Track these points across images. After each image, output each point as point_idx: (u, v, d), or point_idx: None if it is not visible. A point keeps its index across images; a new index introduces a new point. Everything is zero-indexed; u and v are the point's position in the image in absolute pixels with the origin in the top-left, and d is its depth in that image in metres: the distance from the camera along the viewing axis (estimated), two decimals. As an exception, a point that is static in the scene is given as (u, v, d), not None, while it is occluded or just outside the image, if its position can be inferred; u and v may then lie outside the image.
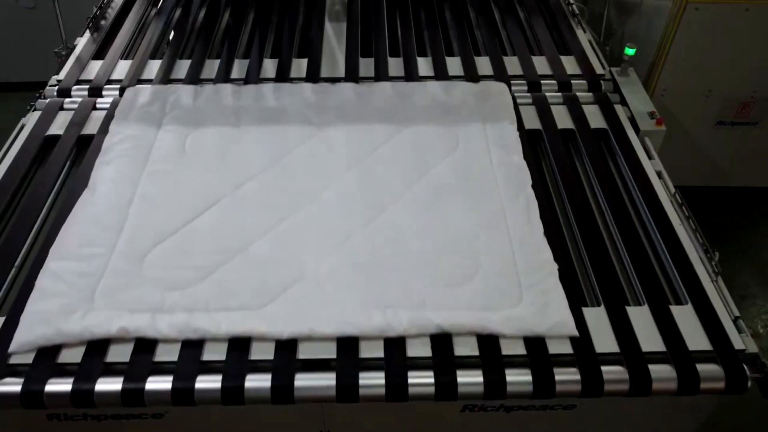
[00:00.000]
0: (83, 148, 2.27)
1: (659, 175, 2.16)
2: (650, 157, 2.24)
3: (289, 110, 2.34)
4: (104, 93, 2.49)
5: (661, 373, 1.58)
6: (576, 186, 2.12)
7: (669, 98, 2.84)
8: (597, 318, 1.70)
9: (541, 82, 2.53)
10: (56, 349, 1.60)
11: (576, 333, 1.63)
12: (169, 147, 2.18)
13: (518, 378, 1.56)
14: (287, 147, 2.20)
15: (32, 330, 1.61)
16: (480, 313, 1.65)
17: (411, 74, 2.55)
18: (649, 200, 2.05)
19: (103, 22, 2.92)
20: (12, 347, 1.59)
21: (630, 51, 2.53)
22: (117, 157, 2.14)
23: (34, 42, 3.91)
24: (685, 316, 1.71)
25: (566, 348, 1.61)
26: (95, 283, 1.73)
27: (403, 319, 1.62)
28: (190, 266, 1.78)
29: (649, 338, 1.64)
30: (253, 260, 1.80)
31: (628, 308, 1.72)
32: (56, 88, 2.51)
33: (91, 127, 2.32)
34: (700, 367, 1.58)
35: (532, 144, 2.29)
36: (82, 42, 2.79)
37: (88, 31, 2.85)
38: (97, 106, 2.42)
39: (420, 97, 2.40)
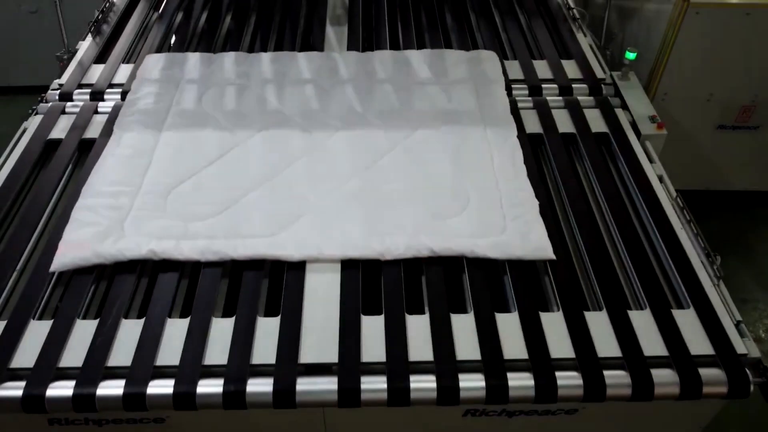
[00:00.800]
0: (85, 152, 2.27)
1: (660, 179, 2.16)
2: (651, 161, 2.24)
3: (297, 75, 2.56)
4: (106, 97, 2.49)
5: (664, 377, 1.57)
6: (577, 190, 2.12)
7: (670, 102, 2.84)
8: (599, 322, 1.69)
9: (542, 86, 2.54)
10: (57, 352, 1.60)
11: (553, 257, 1.84)
12: (186, 103, 2.41)
13: (520, 383, 1.56)
14: (295, 105, 2.41)
15: (70, 255, 1.81)
16: (468, 239, 1.86)
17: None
18: (651, 204, 2.05)
19: (105, 27, 2.93)
20: (53, 267, 1.80)
21: (631, 55, 2.53)
22: (139, 111, 2.34)
23: (37, 46, 3.92)
24: (687, 320, 1.71)
25: (569, 352, 1.61)
26: (124, 215, 1.94)
27: (400, 244, 1.84)
28: (208, 203, 1.99)
29: (651, 342, 1.64)
30: (263, 198, 2.02)
31: (629, 312, 1.72)
32: (58, 92, 2.51)
33: (93, 131, 2.32)
34: (702, 371, 1.58)
35: (533, 147, 2.30)
36: (84, 46, 2.80)
37: (90, 35, 2.85)
38: (99, 110, 2.43)
39: (415, 62, 2.62)
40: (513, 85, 2.54)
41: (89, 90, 2.51)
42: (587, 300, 1.81)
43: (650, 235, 1.99)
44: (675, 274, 1.84)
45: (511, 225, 1.92)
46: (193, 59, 2.63)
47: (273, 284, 1.86)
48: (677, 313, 1.72)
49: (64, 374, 1.56)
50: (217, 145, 2.22)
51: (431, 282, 1.80)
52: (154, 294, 1.77)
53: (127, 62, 2.69)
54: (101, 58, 2.73)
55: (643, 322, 1.70)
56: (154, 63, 2.60)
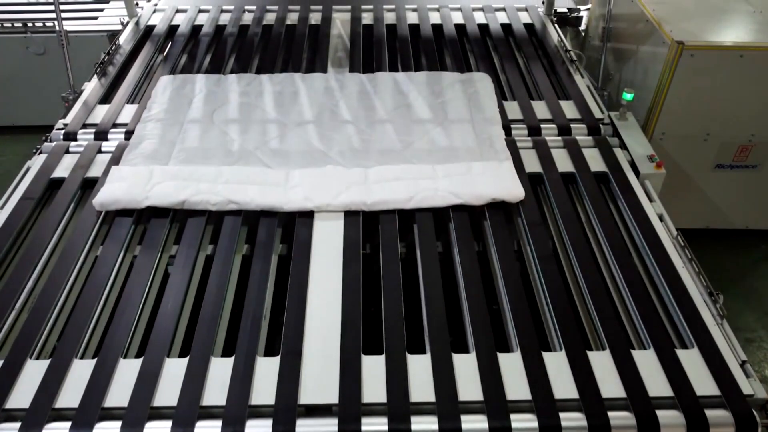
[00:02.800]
0: (88, 191, 2.29)
1: (660, 217, 2.17)
2: (651, 200, 2.25)
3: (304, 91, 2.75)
4: (110, 137, 2.53)
5: (669, 418, 1.55)
6: (578, 229, 2.12)
7: (667, 141, 2.87)
8: (602, 362, 1.68)
9: (541, 126, 2.57)
10: (54, 393, 1.58)
11: (522, 195, 2.19)
12: (199, 116, 2.60)
13: (524, 424, 1.53)
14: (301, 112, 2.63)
15: (112, 193, 2.16)
16: (459, 187, 2.21)
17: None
18: (652, 243, 2.05)
19: (110, 68, 2.98)
20: (96, 204, 2.14)
21: (628, 96, 2.57)
22: (156, 120, 2.53)
23: (44, 87, 3.98)
24: (691, 360, 1.69)
25: (572, 393, 1.59)
26: (157, 176, 2.25)
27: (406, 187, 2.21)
28: (230, 178, 2.25)
29: (656, 383, 1.62)
30: (278, 168, 2.33)
31: (633, 352, 1.70)
32: (63, 131, 2.54)
33: (96, 170, 2.34)
34: (708, 412, 1.56)
35: (533, 187, 2.31)
36: (90, 87, 2.85)
37: (95, 76, 2.90)
38: (103, 149, 2.45)
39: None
40: (512, 125, 2.57)
41: (93, 130, 2.55)
42: (590, 339, 1.79)
43: (652, 274, 1.99)
44: (678, 313, 1.83)
45: (487, 171, 2.28)
46: (205, 79, 2.81)
47: (273, 321, 1.85)
48: (681, 353, 1.70)
49: (60, 415, 1.54)
50: (231, 146, 2.46)
51: (432, 320, 1.79)
52: (153, 332, 1.75)
53: (132, 103, 2.73)
54: (106, 98, 2.78)
55: (646, 362, 1.68)
56: (166, 83, 2.76)
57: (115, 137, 2.52)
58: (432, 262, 1.99)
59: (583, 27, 3.64)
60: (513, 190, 2.20)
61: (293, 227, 2.13)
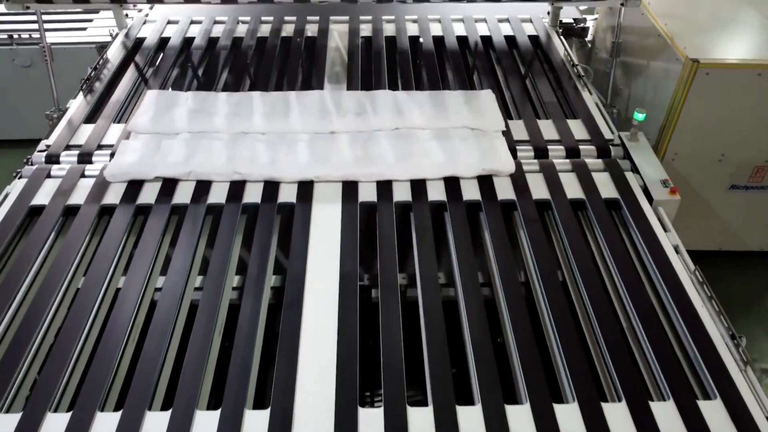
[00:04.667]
0: (70, 219, 2.16)
1: (676, 249, 2.05)
2: (666, 230, 2.12)
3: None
4: (94, 159, 2.40)
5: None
6: (589, 263, 2.00)
7: (680, 162, 2.74)
8: (618, 415, 1.55)
9: (548, 147, 2.44)
10: None
11: (513, 169, 2.29)
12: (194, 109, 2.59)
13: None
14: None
15: (121, 165, 2.26)
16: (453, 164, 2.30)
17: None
18: (668, 279, 1.93)
19: (97, 84, 2.85)
20: (107, 175, 2.22)
21: (639, 116, 2.44)
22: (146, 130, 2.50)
23: (31, 100, 3.85)
24: (714, 411, 1.57)
25: (587, 453, 1.47)
26: (164, 149, 2.35)
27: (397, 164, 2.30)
28: (232, 153, 2.34)
29: (677, 439, 1.50)
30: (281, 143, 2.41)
31: (651, 404, 1.57)
32: (45, 153, 2.42)
33: (78, 197, 2.21)
34: (734, 474, 1.43)
35: (540, 213, 2.18)
36: (75, 104, 2.72)
37: (81, 93, 2.77)
38: (86, 173, 2.32)
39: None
40: (518, 146, 2.44)
41: (77, 151, 2.42)
42: (605, 390, 1.67)
43: (670, 315, 1.86)
44: (699, 359, 1.70)
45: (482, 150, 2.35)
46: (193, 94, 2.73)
47: (262, 370, 1.73)
48: (703, 405, 1.58)
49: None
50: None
51: (435, 369, 1.66)
52: (134, 381, 1.63)
53: (119, 122, 2.60)
54: (92, 117, 2.65)
55: (666, 414, 1.55)
56: (153, 96, 2.67)
57: (100, 159, 2.39)
58: (434, 302, 1.86)
59: (589, 38, 3.51)
60: (505, 164, 2.31)
61: (287, 247, 2.03)
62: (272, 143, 2.40)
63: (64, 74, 3.10)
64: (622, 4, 2.48)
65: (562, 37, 3.24)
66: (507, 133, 2.49)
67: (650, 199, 2.25)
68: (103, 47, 3.28)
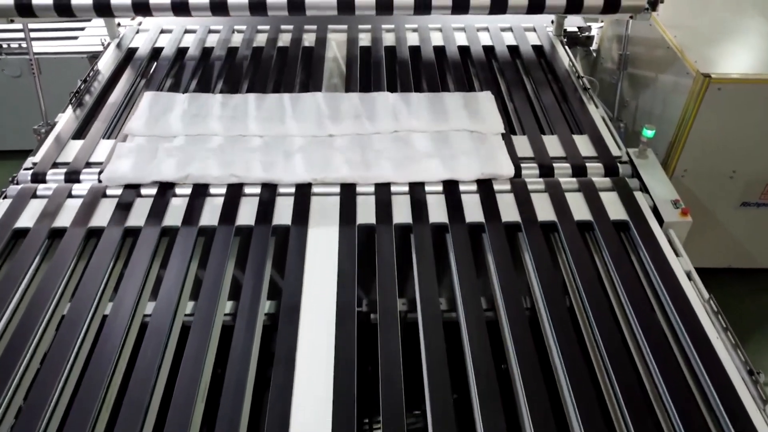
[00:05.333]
0: (55, 241, 2.07)
1: (689, 275, 1.96)
2: (678, 254, 2.03)
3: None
4: (82, 177, 2.30)
5: None
6: (597, 289, 1.91)
7: (690, 178, 2.65)
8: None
9: (554, 165, 2.35)
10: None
11: (512, 173, 2.26)
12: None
13: None
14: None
15: (118, 169, 2.24)
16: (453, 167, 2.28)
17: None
18: (681, 308, 1.84)
19: (87, 97, 2.76)
20: (104, 180, 2.21)
21: (649, 133, 2.35)
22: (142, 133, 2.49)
23: (22, 110, 3.76)
24: (732, 455, 1.48)
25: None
26: (160, 153, 2.33)
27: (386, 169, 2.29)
28: (230, 158, 2.33)
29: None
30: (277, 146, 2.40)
31: (667, 449, 1.49)
32: (31, 171, 2.33)
33: (64, 219, 2.12)
34: None
35: (545, 235, 2.10)
36: (64, 119, 2.63)
37: (70, 106, 2.68)
38: (73, 192, 2.23)
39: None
40: (522, 164, 2.35)
41: (65, 169, 2.33)
42: (615, 427, 1.58)
43: (683, 345, 1.77)
44: (714, 395, 1.61)
45: (482, 154, 2.33)
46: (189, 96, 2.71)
47: (256, 395, 1.65)
48: (721, 448, 1.49)
49: None
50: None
51: (435, 396, 1.59)
52: (119, 420, 1.54)
53: (108, 137, 2.51)
54: (81, 132, 2.56)
55: (682, 459, 1.47)
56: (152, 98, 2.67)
57: (88, 178, 2.30)
58: (435, 329, 1.78)
59: (594, 47, 3.42)
60: (504, 168, 2.29)
61: (282, 270, 1.95)
62: (270, 146, 2.39)
63: (54, 84, 3.01)
64: (631, 17, 2.39)
65: (566, 47, 3.15)
66: (511, 150, 2.41)
67: (660, 221, 2.16)
68: (95, 57, 3.19)
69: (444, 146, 2.38)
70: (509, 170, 2.27)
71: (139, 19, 3.31)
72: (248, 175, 2.24)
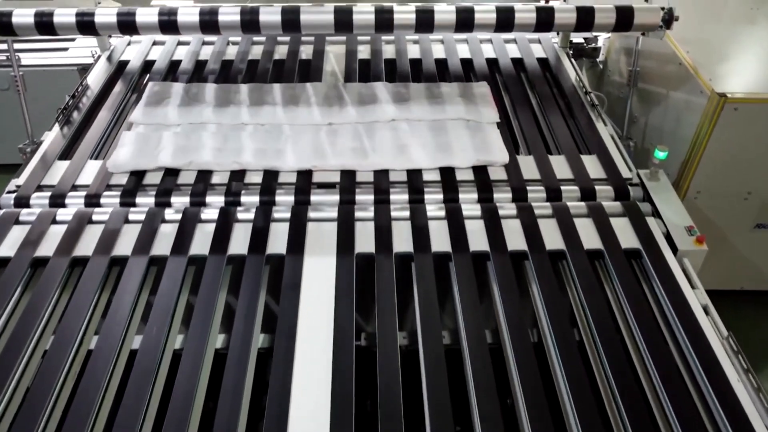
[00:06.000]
0: (38, 271, 1.97)
1: (706, 310, 1.85)
2: (693, 287, 1.93)
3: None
4: (68, 201, 2.20)
5: None
6: (608, 322, 1.81)
7: (703, 200, 2.54)
8: None
9: (562, 187, 2.25)
10: None
11: (507, 160, 2.28)
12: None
13: None
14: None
15: (124, 156, 2.27)
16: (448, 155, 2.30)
17: (413, 180, 2.27)
18: (698, 346, 1.73)
19: (76, 114, 2.65)
20: (109, 167, 2.23)
21: (661, 155, 2.24)
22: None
23: (10, 124, 3.64)
24: None
25: None
26: (164, 140, 2.35)
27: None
28: (232, 144, 2.35)
29: None
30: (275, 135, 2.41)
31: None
32: (14, 195, 2.22)
33: (48, 247, 2.02)
34: None
35: (553, 264, 1.99)
36: (50, 137, 2.52)
37: (57, 124, 2.58)
38: (58, 218, 2.13)
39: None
40: (528, 187, 2.25)
41: (50, 193, 2.22)
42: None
43: (700, 386, 1.66)
44: (737, 448, 1.51)
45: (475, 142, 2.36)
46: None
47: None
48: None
49: None
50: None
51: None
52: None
53: (96, 158, 2.41)
54: (68, 152, 2.46)
55: None
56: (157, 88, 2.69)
57: (74, 202, 2.20)
58: (438, 364, 1.68)
59: (601, 58, 3.31)
60: (499, 155, 2.32)
61: (277, 301, 1.86)
62: (271, 134, 2.41)
63: (43, 98, 2.90)
64: (642, 34, 2.28)
65: (572, 59, 3.05)
66: (517, 172, 2.30)
67: (674, 249, 2.05)
68: (85, 69, 3.09)
69: (440, 133, 2.41)
70: (503, 157, 2.30)
71: (130, 29, 3.20)
72: (250, 161, 2.26)
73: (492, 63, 3.01)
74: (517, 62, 3.01)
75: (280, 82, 2.80)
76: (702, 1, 2.83)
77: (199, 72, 2.93)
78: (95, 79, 2.88)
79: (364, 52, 3.07)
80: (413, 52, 3.06)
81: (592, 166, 2.36)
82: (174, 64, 2.97)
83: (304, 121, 2.46)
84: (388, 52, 3.06)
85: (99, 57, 3.06)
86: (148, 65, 2.98)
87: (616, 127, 2.62)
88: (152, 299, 1.90)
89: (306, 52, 3.06)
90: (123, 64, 2.99)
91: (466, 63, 3.00)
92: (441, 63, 2.99)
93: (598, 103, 2.67)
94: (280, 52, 3.05)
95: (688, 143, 2.43)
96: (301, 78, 2.92)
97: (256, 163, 2.27)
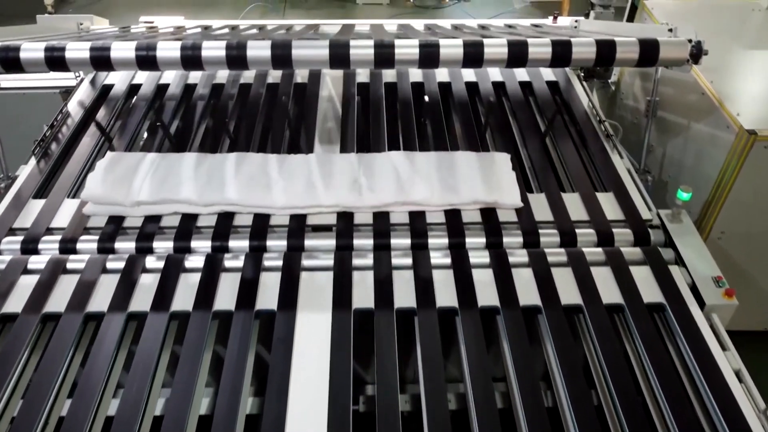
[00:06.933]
0: (7, 326, 1.81)
1: (739, 376, 1.68)
2: (724, 348, 1.76)
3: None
4: (41, 246, 2.03)
5: None
6: (629, 384, 1.64)
7: (727, 241, 2.37)
8: None
9: (577, 230, 2.08)
10: None
11: (521, 204, 2.10)
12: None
13: None
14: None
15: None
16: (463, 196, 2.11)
17: (415, 222, 2.10)
18: (731, 419, 1.56)
19: (54, 145, 2.48)
20: (86, 210, 2.07)
21: (685, 196, 2.07)
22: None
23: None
24: None
25: None
26: (138, 184, 2.12)
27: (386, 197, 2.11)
28: (215, 186, 2.13)
29: None
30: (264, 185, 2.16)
31: None
32: (-17, 239, 2.05)
33: (15, 302, 1.85)
34: None
35: (569, 318, 1.82)
36: (26, 172, 2.35)
37: (33, 157, 2.40)
38: (29, 266, 1.95)
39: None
40: (541, 230, 2.08)
41: (22, 236, 2.05)
42: None
43: (736, 471, 1.50)
44: None
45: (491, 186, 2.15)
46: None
47: None
48: None
49: None
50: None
51: None
52: None
53: (73, 196, 2.23)
54: (44, 189, 2.28)
55: None
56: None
57: (48, 248, 2.03)
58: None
59: (613, 79, 3.14)
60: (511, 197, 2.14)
61: (266, 362, 1.70)
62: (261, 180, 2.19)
63: (24, 124, 2.74)
64: (666, 66, 2.11)
65: (584, 83, 2.87)
66: (528, 212, 2.13)
67: (701, 303, 1.88)
68: (68, 92, 2.92)
69: (448, 174, 2.19)
70: (516, 201, 2.12)
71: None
72: (236, 201, 2.07)
73: (499, 87, 2.84)
74: (526, 86, 2.84)
75: (272, 110, 2.62)
76: (726, 26, 2.66)
77: (188, 97, 2.76)
78: (76, 106, 2.70)
79: (362, 74, 2.89)
80: (415, 75, 2.88)
81: (609, 205, 2.19)
82: (161, 89, 2.80)
83: (294, 203, 2.13)
84: (389, 74, 2.89)
85: (82, 80, 2.89)
86: (133, 89, 2.81)
87: (633, 159, 2.44)
88: (131, 360, 1.74)
89: (301, 74, 2.89)
90: (107, 89, 2.81)
91: (472, 87, 2.83)
92: (445, 87, 2.82)
93: (613, 133, 2.49)
94: (274, 75, 2.88)
95: (712, 182, 2.26)
96: (296, 101, 2.74)
97: (241, 204, 2.09)
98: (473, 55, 1.94)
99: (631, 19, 3.37)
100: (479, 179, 2.17)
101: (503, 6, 7.69)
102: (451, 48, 1.94)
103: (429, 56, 1.93)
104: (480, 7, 7.75)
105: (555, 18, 3.28)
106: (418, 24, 3.29)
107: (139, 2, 6.84)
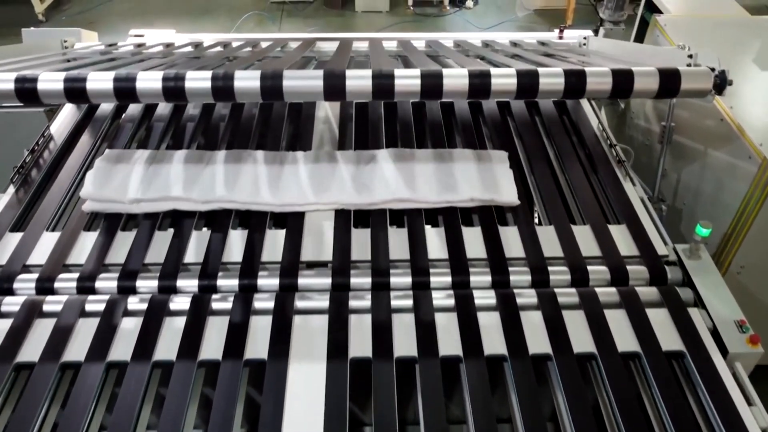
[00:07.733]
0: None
1: (766, 434, 1.55)
2: (750, 403, 1.63)
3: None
4: (15, 286, 1.90)
5: None
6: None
7: (747, 276, 2.24)
8: None
9: (588, 267, 1.94)
10: None
11: (517, 202, 2.11)
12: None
13: None
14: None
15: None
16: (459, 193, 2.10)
17: (417, 258, 1.97)
18: (762, 486, 1.44)
19: (35, 172, 2.35)
20: (85, 207, 2.08)
21: (704, 232, 1.94)
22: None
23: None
24: None
25: None
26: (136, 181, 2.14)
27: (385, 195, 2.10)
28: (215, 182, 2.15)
29: None
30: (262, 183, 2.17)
31: None
32: (-46, 279, 1.92)
33: (-13, 350, 1.72)
34: None
35: (581, 368, 1.69)
36: (4, 201, 2.22)
37: (12, 185, 2.27)
38: (3, 309, 1.83)
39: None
40: (551, 267, 1.95)
41: (-5, 275, 1.92)
42: None
43: None
44: None
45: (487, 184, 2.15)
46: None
47: None
48: None
49: None
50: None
51: None
52: None
53: (53, 230, 2.10)
54: (22, 221, 2.15)
55: None
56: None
57: (23, 288, 1.89)
58: None
59: (622, 97, 2.99)
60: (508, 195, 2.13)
61: (256, 416, 1.56)
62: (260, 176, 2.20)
63: (6, 143, 2.61)
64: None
65: (593, 101, 2.74)
66: (536, 247, 2.00)
67: (724, 351, 1.75)
68: (53, 111, 2.79)
69: (446, 170, 2.21)
70: (513, 198, 2.12)
71: (104, 67, 2.90)
72: (235, 198, 2.08)
73: (503, 106, 2.70)
74: (531, 105, 2.71)
75: (266, 133, 2.49)
76: (744, 45, 2.52)
77: (178, 116, 2.63)
78: (60, 128, 2.57)
79: (361, 93, 2.75)
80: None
81: (622, 238, 2.06)
82: (149, 108, 2.66)
83: (291, 200, 2.13)
84: (388, 93, 2.75)
85: (67, 99, 2.75)
86: (120, 109, 2.67)
87: (646, 187, 2.31)
88: (109, 415, 1.61)
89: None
90: (92, 109, 2.68)
91: (475, 106, 2.69)
92: (447, 106, 2.68)
93: (625, 158, 2.36)
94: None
95: (731, 213, 2.13)
96: (291, 121, 2.61)
97: (241, 200, 2.09)
98: (479, 87, 1.80)
99: (640, 34, 3.24)
100: (476, 177, 2.17)
101: (505, 14, 7.53)
102: (456, 79, 1.80)
103: (432, 88, 1.80)
104: (481, 15, 7.59)
105: (561, 32, 3.15)
106: (419, 41, 3.15)
107: (133, 10, 6.68)
